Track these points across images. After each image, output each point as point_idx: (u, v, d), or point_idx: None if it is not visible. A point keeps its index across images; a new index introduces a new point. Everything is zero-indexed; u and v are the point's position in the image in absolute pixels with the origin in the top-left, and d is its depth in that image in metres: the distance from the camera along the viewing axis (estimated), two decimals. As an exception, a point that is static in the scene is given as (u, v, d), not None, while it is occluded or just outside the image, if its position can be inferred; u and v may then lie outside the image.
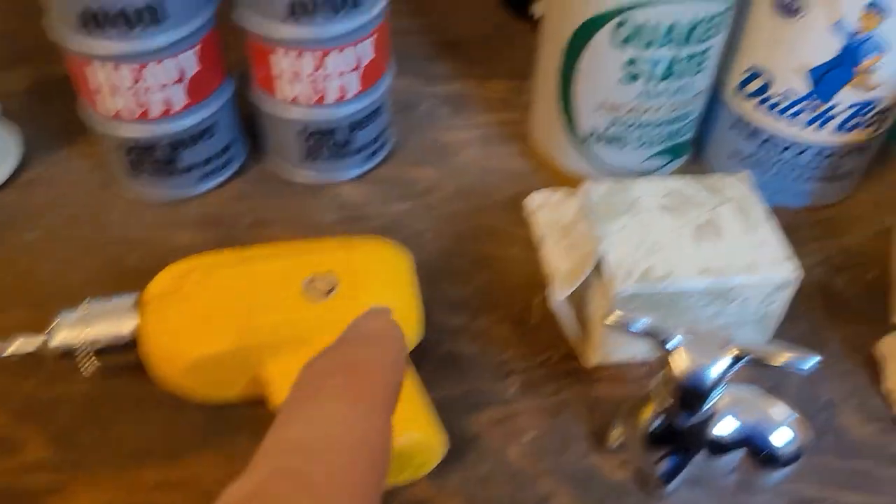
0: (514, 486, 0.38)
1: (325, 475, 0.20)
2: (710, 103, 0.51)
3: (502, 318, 0.44)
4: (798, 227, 0.50)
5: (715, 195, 0.42)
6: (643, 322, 0.33)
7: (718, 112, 0.50)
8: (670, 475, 0.37)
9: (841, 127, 0.46)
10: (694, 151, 0.54)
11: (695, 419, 0.35)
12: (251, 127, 0.51)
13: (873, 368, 0.43)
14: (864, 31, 0.41)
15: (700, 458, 0.37)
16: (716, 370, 0.33)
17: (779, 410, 0.37)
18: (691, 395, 0.34)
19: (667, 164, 0.50)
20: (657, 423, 0.36)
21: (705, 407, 0.34)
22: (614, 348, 0.41)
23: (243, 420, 0.39)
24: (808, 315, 0.45)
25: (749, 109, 0.48)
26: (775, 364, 0.33)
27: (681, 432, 0.36)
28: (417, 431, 0.34)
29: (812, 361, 0.32)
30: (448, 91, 0.58)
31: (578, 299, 0.41)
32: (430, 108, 0.57)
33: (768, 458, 0.36)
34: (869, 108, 0.45)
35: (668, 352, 0.33)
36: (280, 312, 0.37)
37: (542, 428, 0.40)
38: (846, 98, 0.44)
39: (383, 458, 0.22)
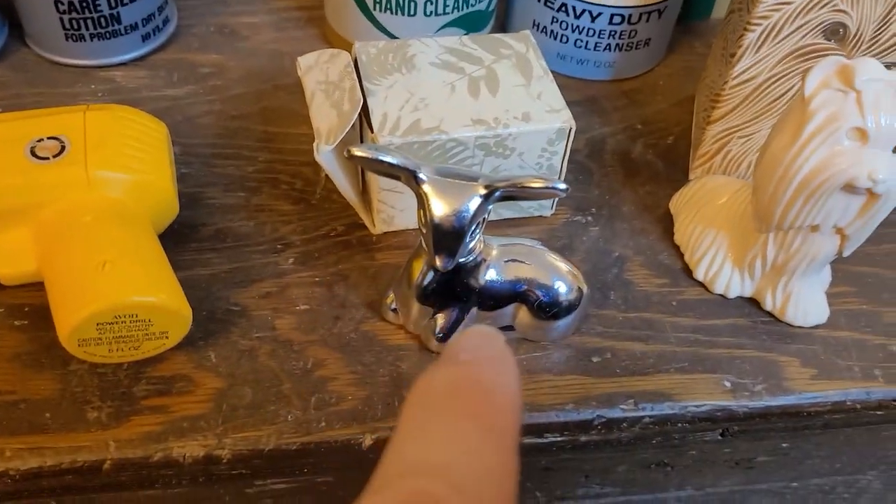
0: (281, 357, 0.35)
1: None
2: (509, -26, 0.49)
3: (284, 194, 0.42)
4: (601, 98, 0.49)
5: (493, 53, 0.40)
6: (391, 155, 0.31)
7: (517, -17, 0.48)
8: (447, 332, 0.35)
9: (630, -15, 0.45)
10: (499, 27, 0.52)
11: (462, 264, 0.33)
12: (11, 6, 0.46)
13: (667, 225, 0.42)
14: None
15: (477, 313, 0.36)
16: (467, 205, 0.31)
17: (552, 264, 0.35)
18: (445, 234, 0.31)
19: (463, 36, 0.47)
20: (428, 277, 0.34)
21: (464, 248, 0.32)
22: (397, 213, 0.39)
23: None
24: (605, 180, 0.44)
25: (542, -26, 0.46)
26: (531, 190, 0.31)
27: (452, 285, 0.34)
28: (154, 296, 0.31)
29: (563, 185, 0.31)
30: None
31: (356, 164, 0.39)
32: (221, -7, 0.53)
33: (542, 310, 0.35)
34: (655, -38, 0.44)
35: (420, 188, 0.31)
36: (1, 177, 0.33)
37: (316, 298, 0.37)
38: (630, -49, 0.43)
39: (513, 498, 0.20)
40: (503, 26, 0.52)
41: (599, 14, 0.46)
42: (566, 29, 0.47)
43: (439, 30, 0.46)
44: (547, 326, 0.36)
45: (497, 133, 0.37)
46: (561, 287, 0.35)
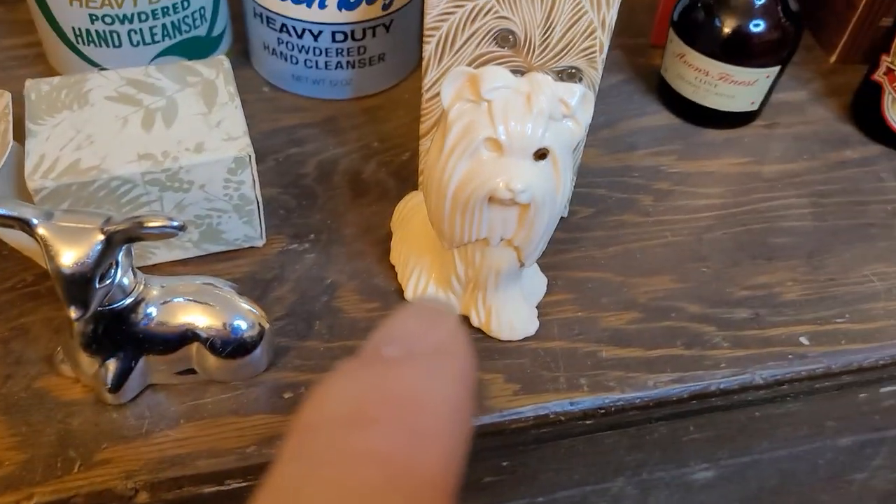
0: (-64, 426, 0.33)
1: None
2: (240, -6, 0.48)
3: (-25, 247, 0.39)
4: (340, 117, 0.48)
5: (179, 82, 0.39)
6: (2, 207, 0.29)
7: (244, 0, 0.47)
8: (118, 381, 0.33)
9: (342, 4, 0.43)
10: (242, 52, 0.50)
11: (113, 309, 0.31)
12: None
13: (388, 246, 0.41)
14: None
15: (151, 358, 0.34)
16: (89, 251, 0.29)
17: (226, 300, 0.34)
18: (71, 283, 0.29)
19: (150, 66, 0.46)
20: (88, 326, 0.32)
21: (99, 295, 0.30)
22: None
23: None
24: (331, 203, 0.43)
25: (259, -6, 0.44)
26: (149, 229, 0.29)
27: (113, 331, 0.32)
28: None
29: (178, 222, 0.29)
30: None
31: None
32: (-55, 36, 0.50)
33: (217, 350, 0.33)
34: (360, -23, 0.43)
35: (37, 237, 0.29)
36: None
37: (-12, 358, 0.35)
38: (331, -32, 0.42)
39: None
40: (246, 52, 0.50)
41: (320, 32, 0.45)
42: (293, 49, 0.46)
43: (154, 59, 0.44)
44: (229, 366, 0.34)
45: (166, 167, 0.35)
46: (237, 324, 0.33)
